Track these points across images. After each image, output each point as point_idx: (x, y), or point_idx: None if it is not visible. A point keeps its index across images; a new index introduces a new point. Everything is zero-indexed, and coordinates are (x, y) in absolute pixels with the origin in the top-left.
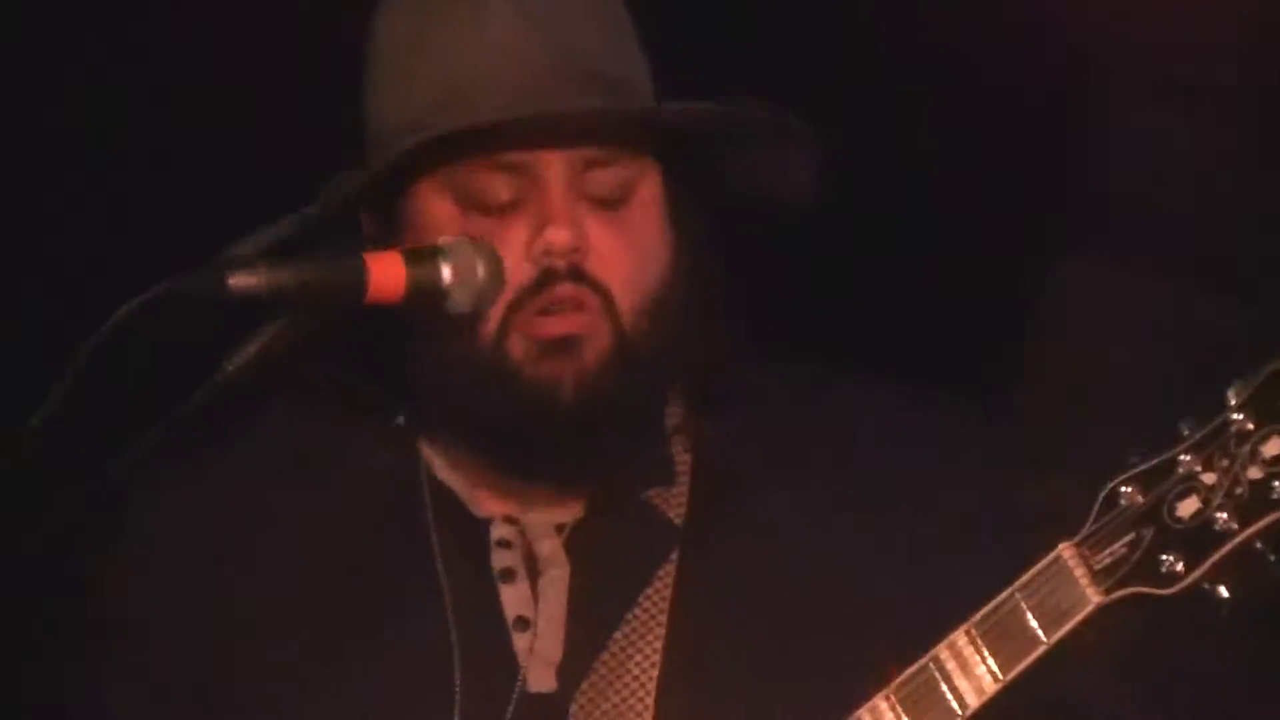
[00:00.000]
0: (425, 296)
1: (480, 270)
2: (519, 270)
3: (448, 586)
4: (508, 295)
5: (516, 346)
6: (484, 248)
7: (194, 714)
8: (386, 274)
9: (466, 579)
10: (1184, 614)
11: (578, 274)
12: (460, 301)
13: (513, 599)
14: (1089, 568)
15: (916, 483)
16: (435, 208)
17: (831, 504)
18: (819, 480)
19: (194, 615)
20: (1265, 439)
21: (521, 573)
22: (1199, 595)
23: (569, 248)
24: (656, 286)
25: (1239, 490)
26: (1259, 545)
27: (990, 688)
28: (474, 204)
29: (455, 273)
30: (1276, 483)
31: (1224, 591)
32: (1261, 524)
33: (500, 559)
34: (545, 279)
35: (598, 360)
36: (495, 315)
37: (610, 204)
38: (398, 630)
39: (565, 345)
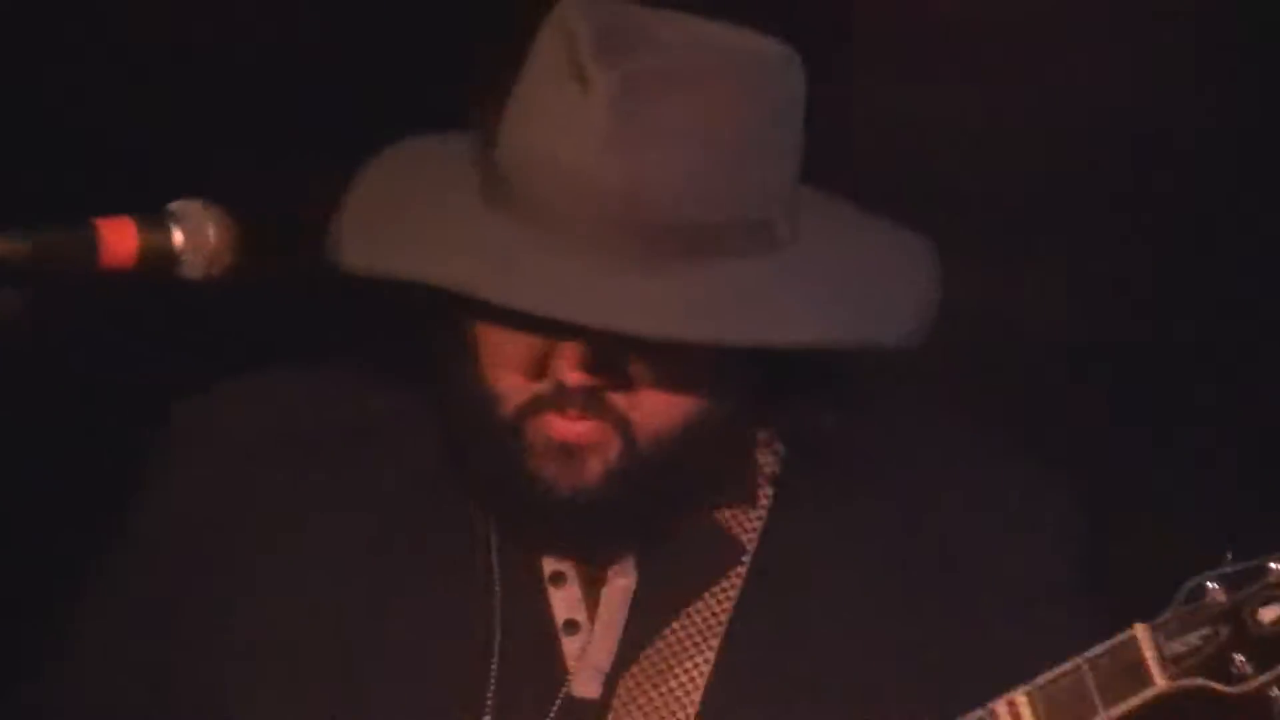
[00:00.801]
0: (158, 261)
1: (212, 234)
2: (532, 383)
3: (499, 580)
4: (523, 397)
5: (529, 432)
6: (216, 212)
7: (213, 694)
8: (118, 239)
9: (519, 573)
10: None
11: (593, 403)
12: (193, 266)
13: (561, 601)
14: (1159, 652)
15: (997, 544)
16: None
17: (908, 546)
18: (898, 520)
19: (224, 585)
20: None
21: (572, 575)
22: (1262, 699)
23: (584, 390)
24: (691, 413)
25: None
26: None
27: None
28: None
29: (187, 237)
30: None
31: None
32: None
33: (551, 561)
34: (558, 396)
35: (603, 472)
36: (514, 403)
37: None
38: (439, 619)
39: (569, 451)
